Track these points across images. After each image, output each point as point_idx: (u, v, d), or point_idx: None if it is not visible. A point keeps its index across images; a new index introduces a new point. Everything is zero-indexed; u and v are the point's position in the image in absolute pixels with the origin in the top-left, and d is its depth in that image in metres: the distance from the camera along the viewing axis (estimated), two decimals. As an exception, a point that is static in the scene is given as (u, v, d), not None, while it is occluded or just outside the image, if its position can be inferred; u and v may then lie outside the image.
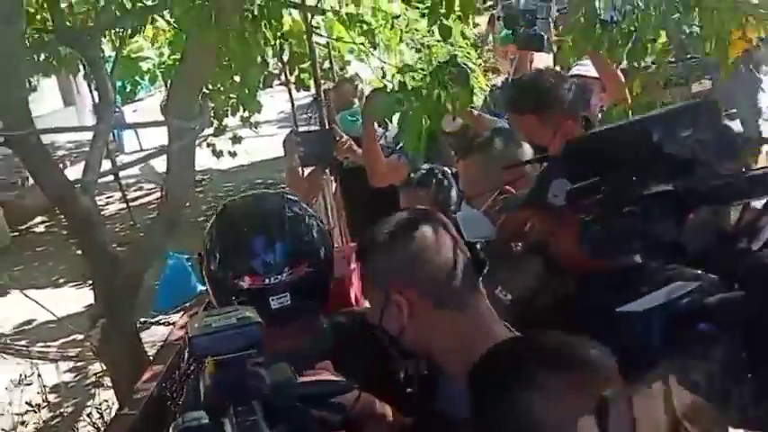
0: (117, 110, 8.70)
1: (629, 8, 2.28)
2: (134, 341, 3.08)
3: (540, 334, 1.29)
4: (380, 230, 1.44)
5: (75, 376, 5.41)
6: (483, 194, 2.06)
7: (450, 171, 2.90)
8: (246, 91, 5.59)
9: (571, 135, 2.35)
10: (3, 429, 3.78)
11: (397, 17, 5.10)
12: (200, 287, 5.51)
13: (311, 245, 1.54)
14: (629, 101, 2.57)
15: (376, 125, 3.26)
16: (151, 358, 3.20)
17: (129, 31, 3.84)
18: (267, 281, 1.46)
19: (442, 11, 1.89)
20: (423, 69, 2.12)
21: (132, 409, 2.02)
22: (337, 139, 3.50)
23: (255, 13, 3.13)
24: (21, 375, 4.09)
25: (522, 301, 1.89)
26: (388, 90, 2.93)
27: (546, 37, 2.84)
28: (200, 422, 1.12)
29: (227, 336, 1.21)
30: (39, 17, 3.61)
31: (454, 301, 1.38)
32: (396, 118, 2.16)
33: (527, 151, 2.08)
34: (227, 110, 6.06)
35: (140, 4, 3.10)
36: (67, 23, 3.15)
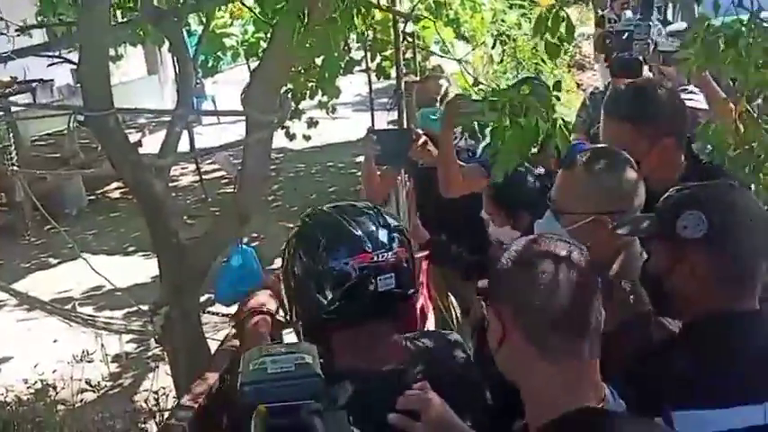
0: (198, 82, 8.76)
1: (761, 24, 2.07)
2: (197, 330, 3.05)
3: (611, 416, 1.23)
4: (513, 246, 1.39)
5: (137, 347, 5.49)
6: (574, 214, 1.93)
7: (538, 171, 2.81)
8: (326, 76, 5.54)
9: (668, 154, 2.20)
10: (62, 403, 3.83)
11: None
12: (266, 281, 5.47)
13: (405, 233, 1.58)
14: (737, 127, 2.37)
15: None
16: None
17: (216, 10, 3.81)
18: (375, 258, 1.47)
19: (549, 28, 1.75)
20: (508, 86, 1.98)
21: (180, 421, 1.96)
22: (414, 138, 3.39)
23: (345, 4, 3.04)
24: (83, 351, 4.12)
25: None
26: (472, 98, 2.82)
27: (644, 58, 2.64)
28: None
29: (282, 386, 1.14)
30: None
31: (551, 348, 1.29)
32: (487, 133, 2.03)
33: (639, 186, 1.93)
34: (304, 93, 6.03)
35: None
36: (154, 3, 3.11)
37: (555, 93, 1.66)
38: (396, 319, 1.53)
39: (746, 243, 1.54)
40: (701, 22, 1.88)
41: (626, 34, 2.55)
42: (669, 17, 9.47)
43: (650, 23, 2.58)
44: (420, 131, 3.44)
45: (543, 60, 8.36)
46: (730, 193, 1.62)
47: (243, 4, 3.47)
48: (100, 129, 2.71)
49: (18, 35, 2.99)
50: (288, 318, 1.61)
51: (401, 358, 1.51)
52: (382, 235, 1.50)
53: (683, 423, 1.41)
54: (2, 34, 2.98)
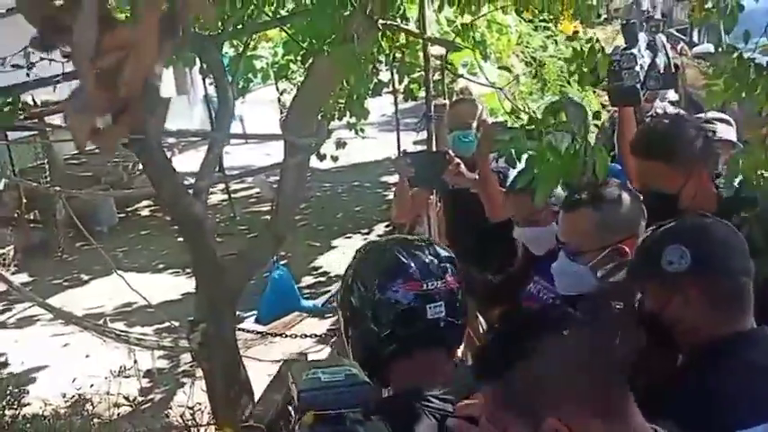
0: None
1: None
2: (232, 347, 3.12)
3: None
4: (521, 339, 1.23)
5: (169, 363, 5.58)
6: (591, 251, 2.02)
7: None
8: (355, 97, 5.63)
9: (703, 183, 2.25)
10: (98, 417, 3.92)
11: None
12: (303, 302, 5.58)
13: (455, 263, 1.60)
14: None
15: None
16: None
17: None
18: (425, 286, 1.50)
19: (583, 61, 1.82)
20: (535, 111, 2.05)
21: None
22: (448, 160, 3.44)
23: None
24: (121, 367, 4.23)
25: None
26: (508, 126, 2.88)
27: (637, 86, 2.66)
28: None
29: (336, 393, 1.22)
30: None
31: (611, 412, 1.19)
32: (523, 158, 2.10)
33: (640, 208, 2.02)
34: (333, 114, 6.11)
35: (266, 18, 3.12)
36: (194, 29, 3.21)
37: (595, 122, 1.71)
38: (447, 347, 1.57)
39: (729, 266, 1.60)
40: (729, 53, 1.93)
41: (614, 65, 2.56)
42: (695, 39, 9.50)
43: (633, 53, 2.59)
44: (452, 153, 3.50)
45: (568, 82, 8.42)
46: (704, 223, 1.68)
47: (283, 30, 3.55)
48: (142, 150, 2.80)
49: (67, 60, 3.09)
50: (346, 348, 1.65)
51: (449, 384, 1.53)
52: (432, 264, 1.54)
53: None
54: (51, 60, 3.07)
